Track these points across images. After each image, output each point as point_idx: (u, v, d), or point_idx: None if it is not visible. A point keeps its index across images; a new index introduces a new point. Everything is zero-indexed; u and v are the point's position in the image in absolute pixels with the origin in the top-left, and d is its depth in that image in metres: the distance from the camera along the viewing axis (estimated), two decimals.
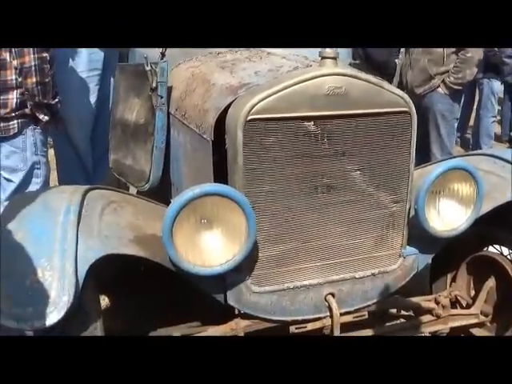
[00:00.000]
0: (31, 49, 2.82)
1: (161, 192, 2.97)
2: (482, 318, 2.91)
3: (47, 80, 2.93)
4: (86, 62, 3.74)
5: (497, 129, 8.35)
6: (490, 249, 3.09)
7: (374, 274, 2.55)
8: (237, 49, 3.10)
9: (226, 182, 2.27)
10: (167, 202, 2.67)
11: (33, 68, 2.85)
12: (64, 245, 2.00)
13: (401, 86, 5.16)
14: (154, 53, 3.05)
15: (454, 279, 3.15)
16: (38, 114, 2.97)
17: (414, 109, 2.43)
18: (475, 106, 8.21)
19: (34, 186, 3.03)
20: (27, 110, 2.95)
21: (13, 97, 2.90)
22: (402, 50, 5.25)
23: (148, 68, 2.76)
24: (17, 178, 3.01)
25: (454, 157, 3.32)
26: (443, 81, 4.82)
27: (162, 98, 2.76)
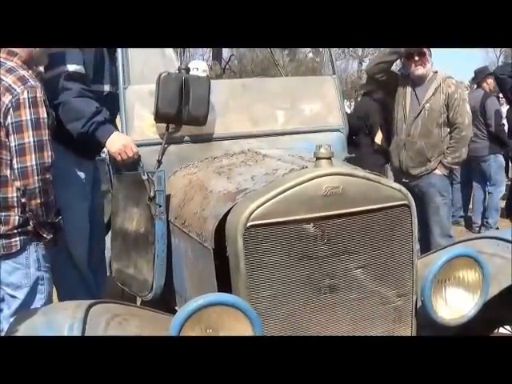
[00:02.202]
0: (35, 170, 2.79)
1: (165, 300, 2.94)
2: None
3: (50, 199, 2.92)
4: (76, 173, 3.73)
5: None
6: (501, 330, 3.06)
7: None
8: (232, 153, 3.15)
9: (229, 288, 2.26)
10: (172, 310, 2.64)
11: (37, 190, 2.81)
12: None
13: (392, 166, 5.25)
14: (151, 160, 3.10)
15: None
16: (41, 233, 2.94)
17: (412, 201, 2.45)
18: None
19: (38, 302, 2.99)
20: (30, 228, 2.92)
21: (14, 214, 2.86)
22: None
23: (145, 177, 2.80)
24: (21, 295, 2.96)
25: (457, 242, 3.31)
26: (440, 162, 4.86)
27: (160, 206, 2.77)
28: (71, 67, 3.31)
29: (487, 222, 7.69)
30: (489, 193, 7.90)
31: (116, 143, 3.21)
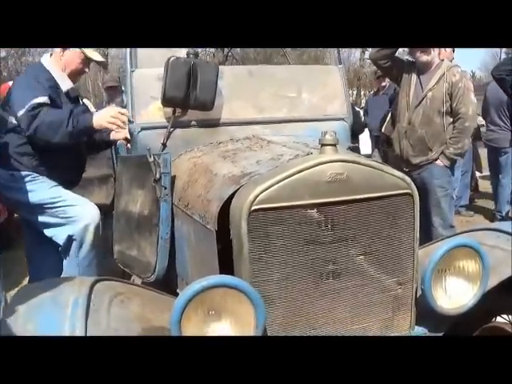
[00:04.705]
0: None
1: (167, 282, 2.95)
2: None
3: None
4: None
5: None
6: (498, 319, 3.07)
7: None
8: (237, 138, 3.17)
9: (232, 271, 2.28)
10: (173, 293, 2.66)
11: None
12: None
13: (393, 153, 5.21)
14: (156, 143, 3.11)
15: None
16: None
17: (415, 190, 2.46)
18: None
19: None
20: None
21: None
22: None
23: (151, 159, 2.80)
24: None
25: (458, 233, 3.32)
26: (442, 152, 4.79)
27: (165, 188, 2.78)
28: (37, 99, 3.42)
29: (500, 215, 7.66)
30: (500, 185, 7.84)
31: (102, 116, 3.36)
